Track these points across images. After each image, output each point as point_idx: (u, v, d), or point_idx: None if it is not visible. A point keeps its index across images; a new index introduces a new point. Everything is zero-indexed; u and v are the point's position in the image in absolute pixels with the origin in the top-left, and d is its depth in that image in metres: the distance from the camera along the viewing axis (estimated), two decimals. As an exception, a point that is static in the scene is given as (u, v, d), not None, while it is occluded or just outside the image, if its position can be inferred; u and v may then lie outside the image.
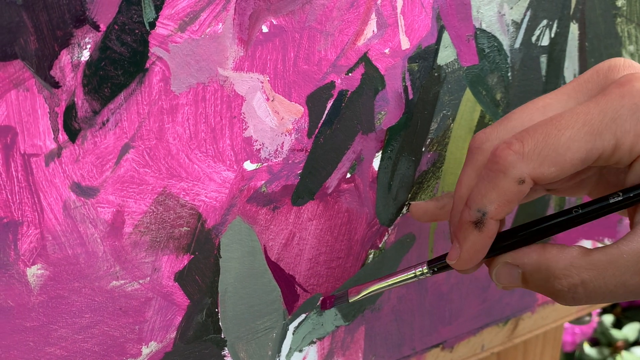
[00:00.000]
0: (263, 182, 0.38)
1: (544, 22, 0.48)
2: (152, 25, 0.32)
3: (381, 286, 0.39)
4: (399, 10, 0.40)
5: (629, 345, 1.25)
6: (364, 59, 0.40)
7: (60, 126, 0.31)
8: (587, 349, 1.26)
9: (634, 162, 0.33)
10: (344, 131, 0.40)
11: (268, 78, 0.37)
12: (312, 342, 0.44)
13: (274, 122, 0.37)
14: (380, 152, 0.42)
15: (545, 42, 0.48)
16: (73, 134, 0.31)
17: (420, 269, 0.38)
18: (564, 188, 0.39)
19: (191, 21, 0.33)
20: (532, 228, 0.35)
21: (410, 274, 0.38)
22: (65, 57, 0.30)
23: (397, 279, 0.39)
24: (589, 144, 0.32)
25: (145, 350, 0.36)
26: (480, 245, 0.34)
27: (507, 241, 0.35)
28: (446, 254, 0.36)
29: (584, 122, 0.32)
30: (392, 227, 0.45)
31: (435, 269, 0.37)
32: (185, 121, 0.34)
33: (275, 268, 0.40)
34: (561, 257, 0.34)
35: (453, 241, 0.35)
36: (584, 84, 0.35)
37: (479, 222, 0.34)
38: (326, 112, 0.39)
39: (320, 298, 0.41)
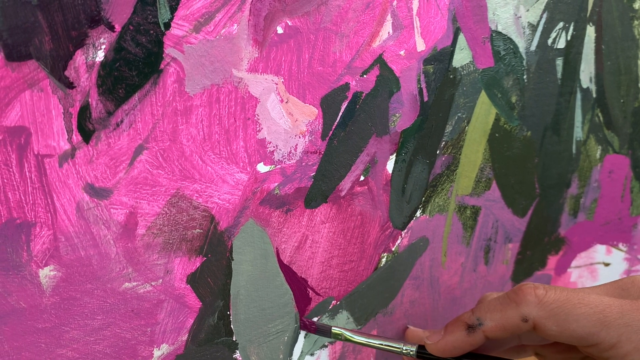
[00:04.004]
0: (276, 184, 0.38)
1: (561, 24, 0.47)
2: (167, 26, 0.32)
3: (366, 342, 0.40)
4: (414, 11, 0.40)
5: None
6: (379, 61, 0.39)
7: (74, 127, 0.31)
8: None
9: None
10: (358, 133, 0.40)
11: (282, 79, 0.36)
12: (324, 346, 0.43)
13: (287, 124, 0.37)
14: (395, 154, 0.42)
15: (561, 44, 0.48)
16: (87, 135, 0.31)
17: (409, 347, 0.40)
18: (552, 358, 0.42)
19: (206, 22, 0.33)
20: None
21: (398, 345, 0.40)
22: (79, 58, 0.30)
23: (384, 343, 0.40)
24: (594, 329, 0.35)
25: (157, 353, 0.36)
26: (460, 345, 0.38)
27: None
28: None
29: (603, 310, 0.35)
30: (405, 231, 0.44)
31: (419, 353, 0.39)
32: (199, 123, 0.34)
33: (287, 271, 0.40)
34: None
35: (442, 330, 0.39)
36: (622, 286, 0.38)
37: (471, 327, 0.38)
38: (340, 114, 0.39)
39: (302, 318, 0.41)
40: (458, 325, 0.38)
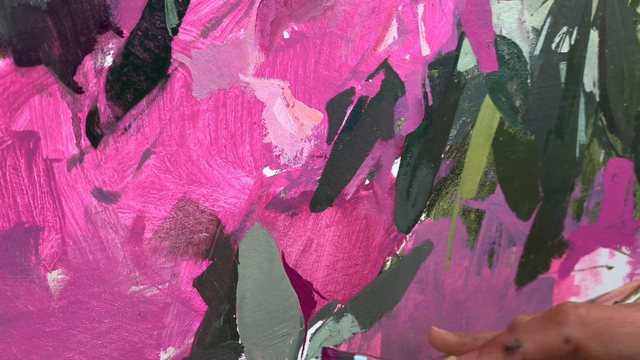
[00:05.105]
0: (282, 188, 0.38)
1: (564, 29, 0.47)
2: (175, 31, 0.32)
3: None
4: (419, 16, 0.40)
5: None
6: (385, 65, 0.39)
7: (83, 131, 0.31)
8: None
9: None
10: (363, 137, 0.40)
11: (288, 84, 0.36)
12: (329, 349, 0.43)
13: (293, 128, 0.37)
14: (399, 158, 0.42)
15: (565, 49, 0.48)
16: (95, 140, 0.31)
17: None
18: None
19: (213, 27, 0.33)
20: None
21: None
22: (88, 63, 0.30)
23: None
24: None
25: (163, 356, 0.36)
26: None
27: None
28: None
29: None
30: (410, 234, 0.44)
31: None
32: (206, 127, 0.34)
33: (292, 274, 0.40)
34: None
35: (477, 352, 0.37)
36: None
37: (510, 349, 0.35)
38: (346, 118, 0.39)
39: (324, 347, 0.41)
40: (495, 346, 0.36)
